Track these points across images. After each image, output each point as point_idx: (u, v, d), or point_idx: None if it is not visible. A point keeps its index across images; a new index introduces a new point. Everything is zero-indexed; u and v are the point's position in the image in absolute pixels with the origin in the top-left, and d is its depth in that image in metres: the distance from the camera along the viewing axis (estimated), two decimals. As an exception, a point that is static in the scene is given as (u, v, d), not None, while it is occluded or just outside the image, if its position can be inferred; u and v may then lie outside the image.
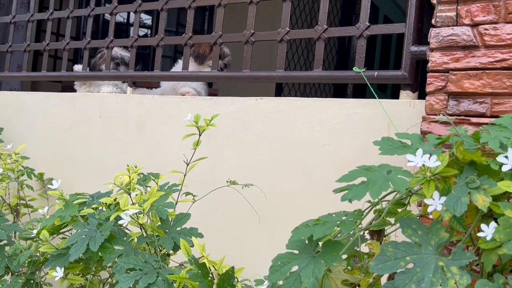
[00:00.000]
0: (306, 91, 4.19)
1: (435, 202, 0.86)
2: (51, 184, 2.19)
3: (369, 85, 1.49)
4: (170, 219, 1.31)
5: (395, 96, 1.58)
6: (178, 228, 1.27)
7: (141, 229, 1.30)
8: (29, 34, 2.67)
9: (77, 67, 2.49)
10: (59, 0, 4.23)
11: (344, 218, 0.95)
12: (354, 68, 1.55)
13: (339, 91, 4.25)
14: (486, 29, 1.25)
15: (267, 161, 1.71)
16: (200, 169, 1.62)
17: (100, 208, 1.39)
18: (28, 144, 2.27)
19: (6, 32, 4.46)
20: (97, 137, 2.16)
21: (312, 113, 1.62)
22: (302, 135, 1.64)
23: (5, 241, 1.69)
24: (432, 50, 1.33)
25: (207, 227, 1.45)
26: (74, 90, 2.62)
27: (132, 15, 5.31)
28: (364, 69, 1.54)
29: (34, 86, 4.88)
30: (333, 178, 1.53)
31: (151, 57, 4.91)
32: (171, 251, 1.24)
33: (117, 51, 2.46)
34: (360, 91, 4.11)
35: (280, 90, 3.87)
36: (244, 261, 1.32)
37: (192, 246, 1.19)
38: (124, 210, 1.22)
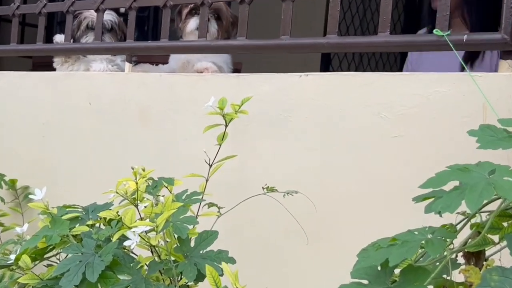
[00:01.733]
0: (362, 63, 4.17)
1: (558, 213, 0.85)
2: (30, 194, 2.25)
3: (456, 53, 1.48)
4: (191, 238, 1.33)
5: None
6: (202, 251, 1.29)
7: (152, 252, 1.32)
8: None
9: (59, 38, 2.54)
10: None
11: (430, 236, 0.95)
12: (434, 31, 1.54)
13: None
14: None
15: (316, 159, 1.72)
16: (225, 171, 1.64)
17: (98, 225, 1.42)
18: (-4, 141, 2.33)
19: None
20: (86, 130, 2.20)
21: (378, 93, 1.62)
22: (364, 123, 1.64)
23: (-29, 269, 1.75)
24: (544, 3, 1.31)
25: (235, 250, 1.46)
26: (50, 69, 2.66)
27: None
28: (449, 32, 1.53)
29: (-3, 61, 4.99)
30: (407, 180, 1.55)
31: (151, 22, 4.96)
32: (192, 282, 1.26)
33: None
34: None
35: (327, 64, 3.87)
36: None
37: (222, 274, 1.21)
38: (130, 227, 1.25)
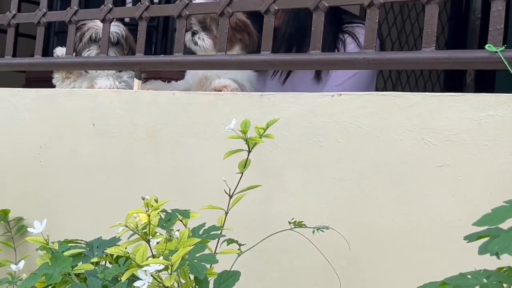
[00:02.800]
0: (401, 81, 4.18)
1: None
2: (24, 227, 2.28)
3: (510, 70, 1.49)
4: (209, 279, 1.34)
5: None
6: (223, 294, 1.30)
7: (165, 294, 1.33)
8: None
9: (60, 51, 2.57)
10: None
11: (485, 280, 0.95)
12: (487, 46, 1.55)
13: (452, 82, 4.22)
14: None
15: (349, 190, 1.72)
16: (246, 203, 1.64)
17: (103, 262, 1.43)
18: (-14, 166, 2.36)
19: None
20: (89, 155, 2.22)
21: (421, 116, 1.63)
22: (406, 150, 1.64)
23: (-42, 312, 1.76)
24: None
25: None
26: (46, 84, 2.68)
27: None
28: (503, 48, 1.54)
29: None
30: (456, 215, 1.55)
31: (160, 33, 5.02)
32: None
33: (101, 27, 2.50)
34: (486, 79, 4.07)
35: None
36: None
37: (245, 321, 1.22)
38: (141, 266, 1.26)
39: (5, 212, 2.34)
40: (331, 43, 2.43)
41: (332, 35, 2.46)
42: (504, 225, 0.93)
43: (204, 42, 2.38)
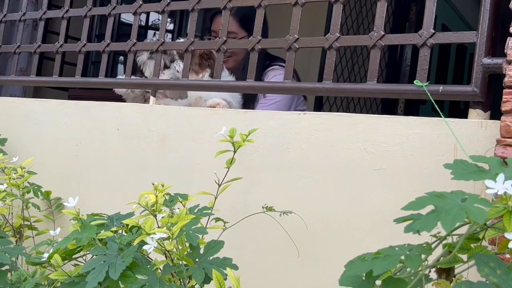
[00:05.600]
0: (349, 107, 4.20)
1: (519, 237, 0.85)
2: (61, 204, 2.25)
3: (433, 101, 1.50)
4: (200, 246, 1.32)
5: (453, 115, 1.59)
6: (210, 258, 1.28)
7: (166, 257, 1.31)
8: (40, 35, 2.76)
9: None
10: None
11: (408, 252, 0.95)
12: (415, 82, 1.56)
13: (388, 108, 4.25)
14: None
15: (309, 185, 1.72)
16: (231, 192, 1.64)
17: (120, 231, 1.42)
18: (35, 157, 2.32)
19: (12, 31, 4.62)
20: (113, 152, 2.20)
21: (364, 132, 1.63)
22: (352, 157, 1.64)
23: (7, 266, 1.73)
24: (509, 62, 1.33)
25: (237, 259, 1.45)
26: (81, 99, 2.65)
27: (150, 16, 5.44)
28: (427, 83, 1.55)
29: (36, 93, 5.01)
30: (388, 206, 1.55)
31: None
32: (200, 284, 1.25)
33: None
34: (412, 109, 4.11)
35: (320, 105, 3.89)
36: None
37: (226, 278, 1.20)
38: (149, 234, 1.24)
39: (48, 193, 2.31)
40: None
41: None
42: (424, 211, 0.93)
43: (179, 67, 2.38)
